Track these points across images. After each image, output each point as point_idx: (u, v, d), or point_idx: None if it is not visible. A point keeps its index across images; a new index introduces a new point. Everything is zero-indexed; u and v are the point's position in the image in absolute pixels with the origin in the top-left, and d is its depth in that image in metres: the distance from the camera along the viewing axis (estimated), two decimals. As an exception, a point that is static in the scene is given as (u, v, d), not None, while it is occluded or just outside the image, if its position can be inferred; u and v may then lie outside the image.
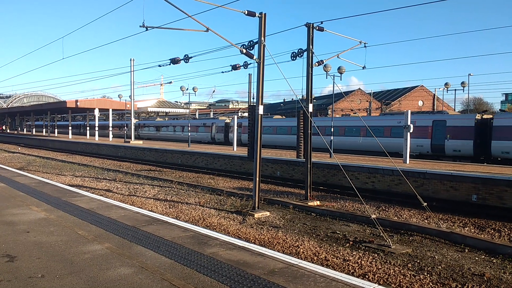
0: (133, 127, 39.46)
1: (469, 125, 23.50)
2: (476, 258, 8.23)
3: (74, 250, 6.01)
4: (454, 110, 55.00)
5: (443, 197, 14.28)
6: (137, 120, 55.66)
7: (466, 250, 8.75)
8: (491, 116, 23.89)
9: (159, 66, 14.73)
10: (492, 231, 10.75)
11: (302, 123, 14.70)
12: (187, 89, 33.45)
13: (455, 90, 44.01)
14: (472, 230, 10.78)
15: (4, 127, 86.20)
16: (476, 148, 23.08)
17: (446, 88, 41.53)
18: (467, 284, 6.75)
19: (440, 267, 7.59)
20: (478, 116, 23.94)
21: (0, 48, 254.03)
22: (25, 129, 77.39)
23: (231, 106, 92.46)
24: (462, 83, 40.42)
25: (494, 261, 8.10)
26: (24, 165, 25.71)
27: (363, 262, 7.65)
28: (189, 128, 35.00)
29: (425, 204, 10.82)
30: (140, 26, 10.89)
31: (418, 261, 7.91)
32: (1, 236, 6.75)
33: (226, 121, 42.43)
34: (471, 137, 23.10)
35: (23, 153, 36.96)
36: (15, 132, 76.88)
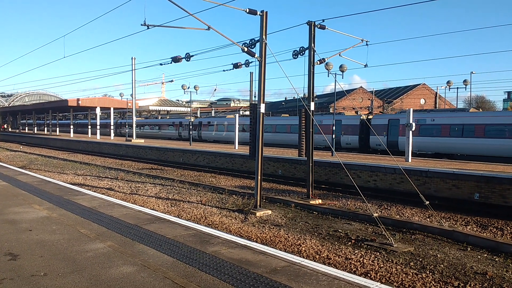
0: (134, 125, 39.53)
1: (356, 124, 29.47)
2: (479, 257, 8.21)
3: (76, 249, 6.02)
4: (456, 108, 54.76)
5: (445, 195, 14.25)
6: (117, 119, 60.16)
7: (469, 249, 8.74)
8: (371, 117, 30.22)
9: (161, 64, 14.99)
10: (495, 230, 10.73)
11: (303, 121, 14.66)
12: (188, 87, 33.56)
13: (457, 88, 43.65)
14: (475, 229, 10.76)
15: (5, 126, 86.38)
16: (360, 141, 29.10)
17: (448, 86, 41.34)
18: (469, 283, 6.74)
19: (442, 265, 7.58)
20: (363, 116, 29.82)
21: (2, 47, 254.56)
22: (26, 128, 77.51)
23: (232, 104, 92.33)
24: (464, 81, 40.28)
25: (496, 259, 8.09)
26: (26, 163, 25.77)
27: (365, 260, 7.64)
28: (191, 127, 35.09)
29: (427, 202, 10.81)
30: (141, 25, 10.90)
31: (420, 259, 7.90)
32: (3, 234, 6.76)
33: (190, 120, 47.41)
34: (357, 133, 29.31)
35: (24, 151, 37.04)
36: (17, 130, 77.05)
